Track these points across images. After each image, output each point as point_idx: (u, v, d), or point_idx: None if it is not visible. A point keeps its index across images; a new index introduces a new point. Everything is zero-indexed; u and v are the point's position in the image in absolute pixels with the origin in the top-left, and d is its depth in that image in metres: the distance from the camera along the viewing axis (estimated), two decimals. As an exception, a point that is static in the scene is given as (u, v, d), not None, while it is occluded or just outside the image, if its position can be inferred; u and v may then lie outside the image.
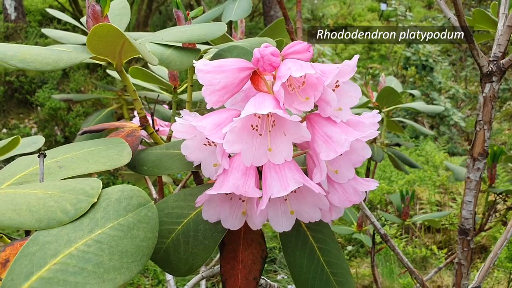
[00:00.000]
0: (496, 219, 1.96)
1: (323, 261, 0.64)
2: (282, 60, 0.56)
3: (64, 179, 0.41)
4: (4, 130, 5.71)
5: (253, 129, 0.54)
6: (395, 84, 1.99)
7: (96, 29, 0.52)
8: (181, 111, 0.62)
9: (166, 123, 1.34)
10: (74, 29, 8.17)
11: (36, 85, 6.25)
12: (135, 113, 1.60)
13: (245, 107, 0.52)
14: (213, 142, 0.58)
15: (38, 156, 0.44)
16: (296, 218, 0.58)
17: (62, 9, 8.24)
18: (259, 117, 0.54)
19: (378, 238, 2.52)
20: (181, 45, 0.73)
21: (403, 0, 10.54)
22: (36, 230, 0.35)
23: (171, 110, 1.40)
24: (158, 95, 1.37)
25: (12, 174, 0.44)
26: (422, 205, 3.94)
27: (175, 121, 0.59)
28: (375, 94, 1.86)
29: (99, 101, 5.45)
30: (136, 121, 1.06)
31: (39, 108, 5.93)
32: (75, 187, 0.39)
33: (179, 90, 1.23)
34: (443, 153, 4.99)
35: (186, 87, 1.25)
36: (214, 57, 0.70)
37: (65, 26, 8.17)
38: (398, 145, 2.02)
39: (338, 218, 0.60)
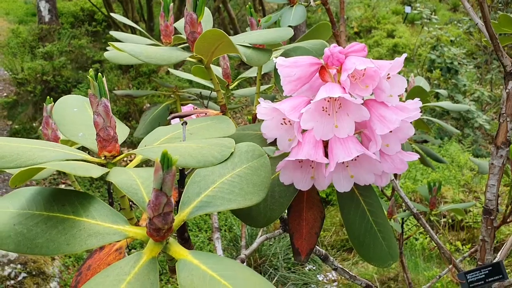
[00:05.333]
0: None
1: (372, 221, 0.79)
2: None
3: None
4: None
5: (323, 110, 0.70)
6: (423, 83, 2.12)
7: (205, 33, 0.69)
8: (259, 99, 0.78)
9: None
10: (104, 30, 8.49)
11: (71, 85, 6.57)
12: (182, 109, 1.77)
13: (318, 92, 0.68)
14: (288, 121, 0.74)
15: (182, 124, 0.60)
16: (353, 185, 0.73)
17: (96, 11, 8.56)
18: (328, 101, 0.70)
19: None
20: (252, 46, 0.89)
21: (428, 2, 10.55)
22: (196, 169, 0.52)
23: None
24: (211, 92, 1.53)
25: (157, 138, 0.61)
26: (447, 203, 4.03)
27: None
28: (404, 94, 1.99)
29: (133, 100, 5.70)
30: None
31: (74, 106, 6.20)
32: (218, 142, 0.55)
33: (231, 87, 1.40)
34: (468, 154, 5.06)
35: (238, 84, 1.42)
36: (282, 55, 0.86)
37: (96, 28, 8.49)
38: (426, 141, 2.15)
39: (386, 184, 0.75)
